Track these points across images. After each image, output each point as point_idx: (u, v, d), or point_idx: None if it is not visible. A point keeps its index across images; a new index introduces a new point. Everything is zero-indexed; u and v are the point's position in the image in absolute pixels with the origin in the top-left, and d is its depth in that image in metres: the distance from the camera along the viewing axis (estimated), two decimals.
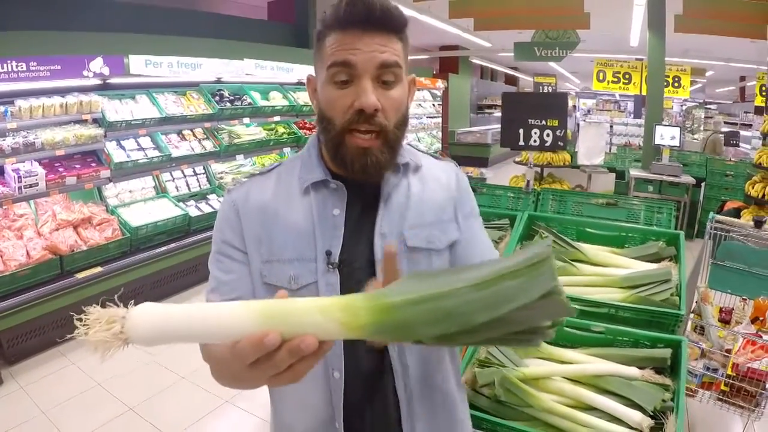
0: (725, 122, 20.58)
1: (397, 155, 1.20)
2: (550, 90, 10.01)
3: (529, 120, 3.24)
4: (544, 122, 3.23)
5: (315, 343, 0.71)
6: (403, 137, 1.20)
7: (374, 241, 1.20)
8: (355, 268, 1.19)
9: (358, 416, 1.23)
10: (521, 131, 3.27)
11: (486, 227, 2.82)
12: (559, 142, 3.20)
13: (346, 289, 1.16)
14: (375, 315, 0.73)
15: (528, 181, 3.41)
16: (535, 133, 3.26)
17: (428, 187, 1.30)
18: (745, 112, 18.44)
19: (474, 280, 0.72)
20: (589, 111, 16.75)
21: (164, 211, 5.94)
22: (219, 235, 1.26)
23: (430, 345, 0.75)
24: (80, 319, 0.73)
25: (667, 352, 1.97)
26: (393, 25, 1.12)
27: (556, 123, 3.23)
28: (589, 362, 2.00)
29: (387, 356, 1.22)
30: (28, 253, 4.65)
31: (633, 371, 1.92)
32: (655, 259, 2.50)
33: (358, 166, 1.13)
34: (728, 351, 2.99)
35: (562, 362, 2.04)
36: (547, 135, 3.24)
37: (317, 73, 1.20)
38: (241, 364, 0.75)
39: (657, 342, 2.04)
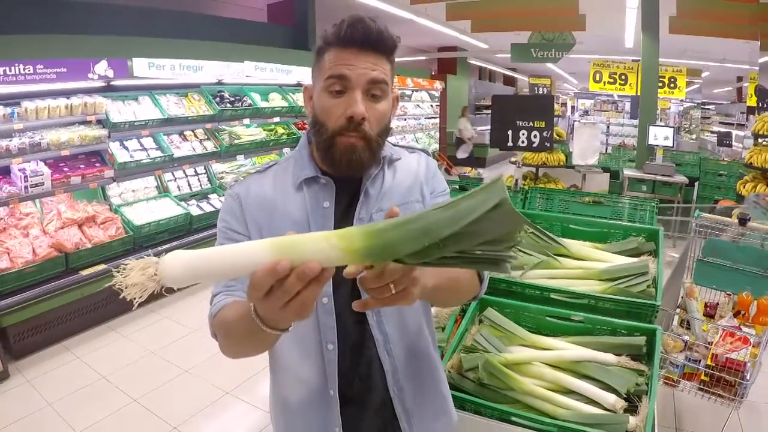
0: (721, 122, 20.65)
1: (377, 157, 1.39)
2: (545, 91, 10.12)
3: (518, 121, 3.37)
4: (531, 123, 3.36)
5: (318, 268, 0.83)
6: (383, 144, 1.39)
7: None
8: None
9: (348, 384, 1.38)
10: (510, 132, 3.39)
11: None
12: (546, 143, 3.32)
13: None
14: (366, 239, 0.86)
15: (516, 180, 3.54)
16: (523, 134, 3.38)
17: (399, 175, 1.48)
18: (742, 113, 18.48)
19: (440, 205, 0.87)
20: (587, 111, 16.85)
21: (166, 210, 6.07)
22: (223, 223, 1.41)
23: (411, 263, 0.88)
24: (118, 270, 0.85)
25: (641, 340, 2.09)
26: (385, 48, 1.30)
27: (542, 124, 3.35)
28: (568, 349, 2.13)
29: (369, 327, 1.39)
30: (34, 251, 4.77)
31: (609, 357, 2.05)
32: (636, 253, 2.62)
33: (344, 161, 1.30)
34: (709, 343, 3.09)
35: (543, 349, 2.17)
36: (534, 136, 3.37)
37: (314, 82, 1.38)
38: (257, 295, 0.86)
39: (633, 331, 2.17)
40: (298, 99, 8.32)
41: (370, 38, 1.26)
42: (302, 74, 8.39)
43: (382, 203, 1.41)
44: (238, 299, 1.26)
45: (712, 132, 19.16)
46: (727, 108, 23.48)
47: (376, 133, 1.32)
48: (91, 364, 4.54)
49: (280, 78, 8.08)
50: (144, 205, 6.04)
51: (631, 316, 2.28)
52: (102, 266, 5.20)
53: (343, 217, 1.39)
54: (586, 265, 2.54)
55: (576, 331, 2.25)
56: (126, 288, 0.84)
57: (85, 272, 5.07)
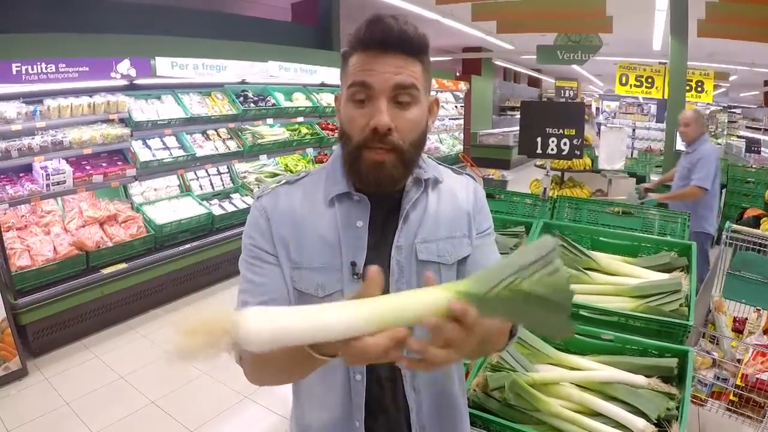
0: (748, 127, 20.33)
1: (412, 171, 1.28)
2: (571, 94, 10.01)
3: (547, 129, 3.30)
4: (561, 131, 3.28)
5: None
6: (419, 156, 1.27)
7: (391, 254, 1.27)
8: (388, 281, 1.26)
9: (373, 417, 1.31)
10: (539, 139, 3.32)
11: (502, 234, 2.92)
12: (576, 151, 3.25)
13: None
14: (474, 303, 0.84)
15: (545, 189, 3.46)
16: (553, 141, 3.30)
17: (444, 202, 1.36)
18: None
19: (533, 264, 0.85)
20: (614, 114, 16.65)
21: (188, 209, 6.05)
22: (249, 240, 1.31)
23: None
24: (177, 327, 0.77)
25: (673, 362, 2.02)
26: (410, 48, 1.18)
27: (573, 132, 3.27)
28: (597, 369, 2.06)
29: None
30: (55, 249, 4.78)
31: (640, 379, 1.98)
32: (667, 269, 2.55)
33: (372, 178, 1.20)
34: (740, 361, 3.01)
35: (572, 368, 2.10)
36: (564, 144, 3.29)
37: (342, 90, 1.26)
38: (359, 360, 0.85)
39: (664, 351, 2.10)
40: (322, 99, 8.29)
41: (391, 38, 1.15)
42: (326, 74, 8.34)
43: (425, 232, 1.31)
44: None
45: (739, 137, 18.89)
46: (754, 112, 23.13)
47: (408, 143, 1.20)
48: (110, 363, 4.53)
49: (304, 78, 8.03)
50: (166, 204, 6.03)
51: (662, 335, 2.22)
52: (123, 265, 5.21)
53: (380, 240, 1.29)
54: (616, 281, 2.47)
55: (605, 350, 2.18)
56: (185, 345, 0.76)
57: (106, 271, 5.06)
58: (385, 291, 1.25)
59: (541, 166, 6.24)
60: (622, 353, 2.16)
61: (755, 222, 6.16)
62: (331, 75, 8.38)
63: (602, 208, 3.14)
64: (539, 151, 3.35)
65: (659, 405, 1.86)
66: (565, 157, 3.32)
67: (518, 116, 3.62)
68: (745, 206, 7.68)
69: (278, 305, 1.03)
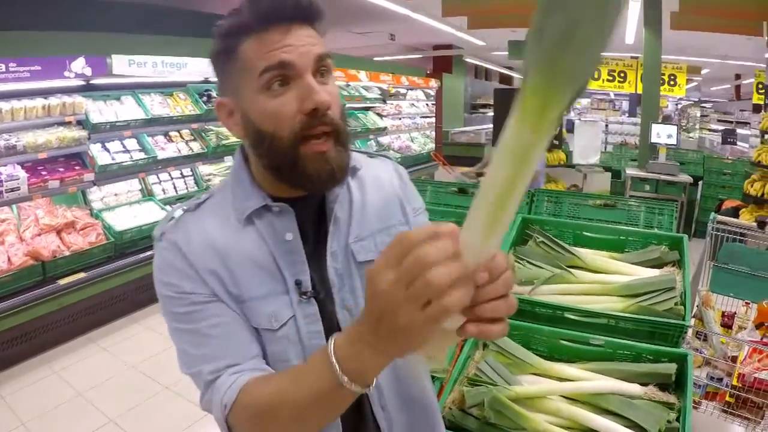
0: (720, 120, 20.62)
1: (349, 151, 1.08)
2: None
3: None
4: None
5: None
6: (349, 130, 1.09)
7: (327, 263, 1.10)
8: (330, 292, 1.10)
9: None
10: None
11: None
12: (554, 140, 3.05)
13: (326, 317, 1.07)
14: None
15: None
16: None
17: (369, 190, 1.20)
18: (741, 110, 18.37)
19: None
20: (583, 111, 16.68)
21: (150, 214, 5.79)
22: (170, 289, 1.04)
23: None
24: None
25: (671, 368, 1.83)
26: (317, 15, 1.03)
27: None
28: (587, 379, 1.86)
29: None
30: (9, 259, 4.51)
31: (635, 388, 1.78)
32: (658, 264, 2.35)
33: (324, 175, 1.01)
34: (732, 358, 2.87)
35: (559, 378, 1.90)
36: None
37: (234, 92, 1.05)
38: (398, 276, 0.65)
39: (660, 356, 1.91)
40: None
41: (301, 5, 0.98)
42: None
43: (358, 229, 1.14)
44: (267, 372, 1.01)
45: (711, 130, 19.12)
46: (725, 106, 23.44)
47: (339, 118, 1.03)
48: (69, 379, 4.30)
49: None
50: (126, 209, 5.76)
51: (655, 337, 2.02)
52: (81, 274, 4.94)
53: (315, 251, 1.10)
54: (603, 279, 2.26)
55: (594, 356, 1.98)
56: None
57: (63, 281, 4.79)
58: (330, 307, 1.05)
59: None
60: (613, 359, 1.95)
61: (734, 213, 6.15)
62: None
63: (583, 200, 2.94)
64: None
65: (658, 417, 1.67)
66: None
67: (491, 114, 3.42)
68: (722, 198, 7.76)
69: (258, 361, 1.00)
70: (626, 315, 2.02)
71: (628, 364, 1.91)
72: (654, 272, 2.26)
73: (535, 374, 1.93)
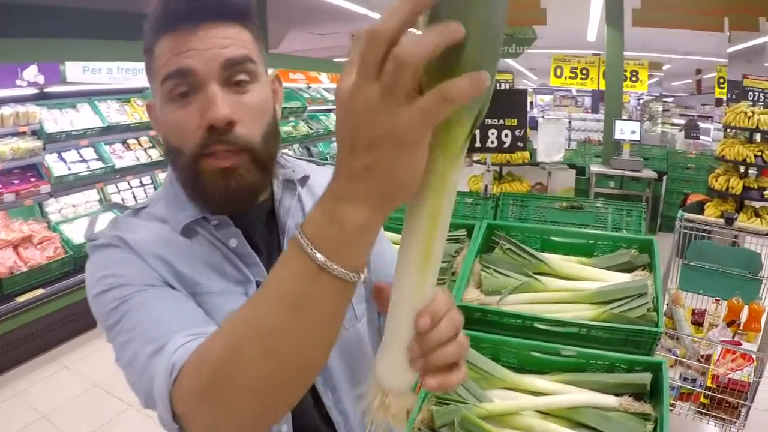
0: (681, 114, 20.93)
1: (272, 173, 0.98)
2: (508, 87, 9.83)
3: (486, 120, 2.99)
4: (501, 122, 2.98)
5: None
6: (276, 151, 0.97)
7: None
8: None
9: None
10: (477, 132, 3.01)
11: None
12: (519, 143, 2.97)
13: None
14: None
15: (486, 186, 3.17)
16: (493, 133, 3.00)
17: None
18: (702, 105, 18.66)
19: None
20: (546, 108, 16.80)
21: None
22: (105, 284, 0.87)
23: None
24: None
25: (646, 378, 1.78)
26: (231, 11, 0.88)
27: (514, 122, 2.98)
28: (560, 391, 1.80)
29: (325, 408, 1.02)
30: None
31: (609, 400, 1.73)
32: (628, 268, 2.29)
33: (221, 194, 0.88)
34: (705, 358, 2.85)
35: (531, 392, 1.83)
36: (506, 135, 3.00)
37: (155, 94, 0.93)
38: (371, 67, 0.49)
39: (634, 365, 1.85)
40: None
41: (200, 3, 0.85)
42: None
43: None
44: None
45: (673, 124, 19.40)
46: (686, 100, 23.80)
47: (259, 137, 0.90)
48: (31, 400, 4.14)
49: None
50: (85, 221, 5.51)
51: (628, 344, 1.97)
52: (40, 291, 4.78)
53: (267, 265, 0.97)
54: (574, 286, 2.19)
55: (567, 366, 1.91)
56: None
57: (21, 299, 4.63)
58: None
59: (480, 161, 6.05)
60: (586, 369, 1.89)
61: (699, 207, 6.17)
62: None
63: (549, 203, 2.87)
64: (478, 144, 3.03)
65: (634, 430, 1.61)
66: (507, 150, 3.04)
67: None
68: (686, 192, 7.85)
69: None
70: (598, 324, 1.96)
71: (602, 374, 1.85)
72: (624, 277, 2.21)
73: (506, 388, 1.86)
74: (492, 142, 3.01)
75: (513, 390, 1.85)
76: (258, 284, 0.94)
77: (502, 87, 9.34)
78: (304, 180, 1.08)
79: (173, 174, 0.98)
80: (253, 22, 0.93)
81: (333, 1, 8.15)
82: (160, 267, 0.89)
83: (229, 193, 0.88)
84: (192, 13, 0.84)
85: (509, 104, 3.01)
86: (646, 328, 1.91)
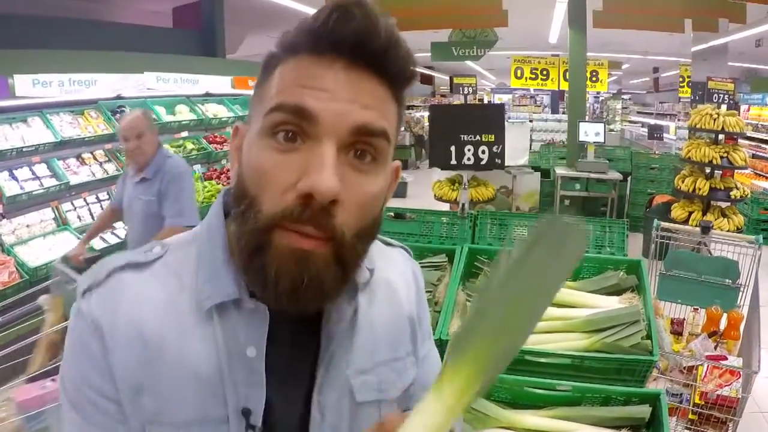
0: (639, 112, 21.27)
1: (348, 280, 0.73)
2: (470, 91, 9.71)
3: (462, 136, 2.85)
4: (478, 137, 2.86)
5: None
6: (364, 255, 0.74)
7: (312, 397, 0.78)
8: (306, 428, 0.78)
9: None
10: (453, 148, 2.86)
11: (421, 266, 2.50)
12: (497, 159, 2.86)
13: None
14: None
15: (463, 205, 3.04)
16: (469, 150, 2.89)
17: (380, 302, 0.86)
18: (661, 102, 18.97)
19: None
20: (506, 108, 16.87)
21: (67, 245, 5.34)
22: (77, 376, 0.72)
23: None
24: None
25: (645, 411, 1.71)
26: (395, 71, 0.70)
27: (492, 138, 2.86)
28: (556, 428, 1.71)
29: None
30: None
31: None
32: (615, 291, 2.21)
33: (286, 283, 0.65)
34: (689, 370, 2.81)
35: (526, 430, 1.73)
36: (483, 152, 2.88)
37: (251, 119, 0.73)
38: None
39: (631, 397, 1.76)
40: (207, 110, 7.71)
41: (374, 42, 0.66)
42: (210, 83, 7.76)
43: (361, 358, 0.81)
44: None
45: (631, 122, 19.71)
46: (644, 98, 24.20)
47: (353, 232, 0.68)
48: None
49: (187, 88, 7.43)
50: (41, 241, 5.35)
51: (622, 372, 1.89)
52: None
53: (288, 372, 0.77)
54: (564, 314, 2.10)
55: (562, 400, 1.83)
56: None
57: None
58: None
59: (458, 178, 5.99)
60: (581, 403, 1.81)
61: (665, 208, 6.22)
62: (217, 83, 7.84)
63: (530, 221, 2.78)
64: (453, 162, 2.90)
65: None
66: (485, 168, 2.93)
67: (417, 114, 3.25)
68: (651, 192, 7.99)
69: None
70: (592, 354, 1.88)
71: (598, 408, 1.78)
72: (614, 300, 2.13)
73: (501, 428, 1.76)
74: (468, 159, 2.89)
75: (508, 429, 1.76)
76: (245, 413, 0.72)
77: (466, 91, 9.33)
78: (366, 283, 0.83)
79: (220, 218, 0.78)
80: (404, 96, 0.75)
81: (291, 5, 8.05)
82: (126, 393, 0.72)
83: (295, 283, 0.65)
84: (356, 46, 0.66)
85: (486, 119, 2.89)
86: (641, 357, 1.84)
